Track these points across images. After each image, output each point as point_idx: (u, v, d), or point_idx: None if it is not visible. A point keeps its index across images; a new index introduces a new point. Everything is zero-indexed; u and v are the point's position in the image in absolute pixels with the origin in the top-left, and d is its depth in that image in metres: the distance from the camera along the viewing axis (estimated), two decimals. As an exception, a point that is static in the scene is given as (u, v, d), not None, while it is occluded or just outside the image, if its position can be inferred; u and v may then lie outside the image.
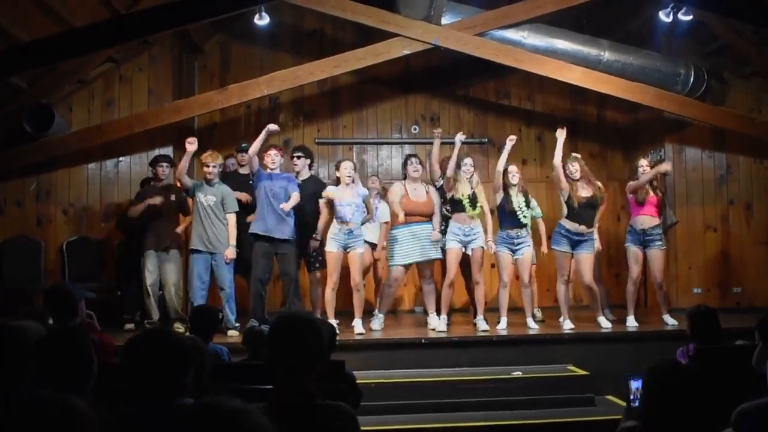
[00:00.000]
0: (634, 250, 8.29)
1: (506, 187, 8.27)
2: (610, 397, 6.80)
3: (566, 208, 8.15)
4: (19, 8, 7.73)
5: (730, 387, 3.29)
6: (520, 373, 7.02)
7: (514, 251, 8.21)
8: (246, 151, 8.77)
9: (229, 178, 8.71)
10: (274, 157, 8.04)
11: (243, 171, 8.86)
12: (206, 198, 7.99)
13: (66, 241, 9.28)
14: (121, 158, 9.68)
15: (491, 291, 9.56)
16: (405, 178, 8.45)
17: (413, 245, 8.11)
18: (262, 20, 9.24)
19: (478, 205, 8.10)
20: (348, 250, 7.86)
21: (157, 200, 8.15)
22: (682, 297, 9.80)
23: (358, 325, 7.90)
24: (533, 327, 8.16)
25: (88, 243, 9.39)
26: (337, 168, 8.15)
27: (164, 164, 8.56)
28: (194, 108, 9.57)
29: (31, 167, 9.31)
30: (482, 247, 8.13)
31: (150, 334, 2.67)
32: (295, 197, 7.81)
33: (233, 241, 7.95)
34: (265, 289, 8.03)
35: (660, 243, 8.30)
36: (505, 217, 8.23)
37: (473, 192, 8.11)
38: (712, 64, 10.36)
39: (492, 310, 8.68)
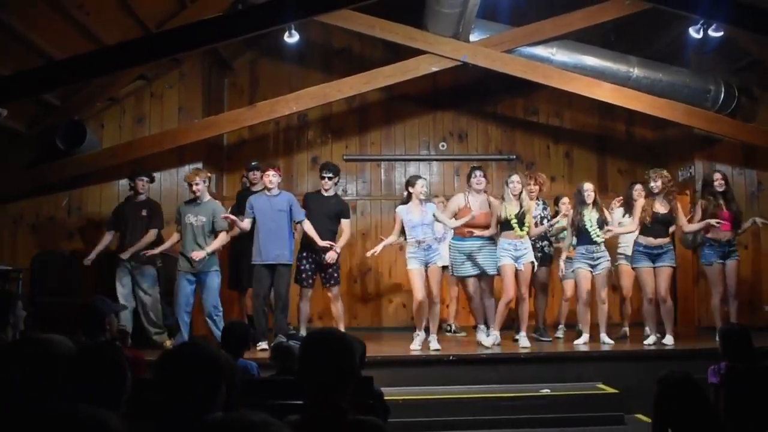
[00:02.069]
0: (717, 266, 8.27)
1: (581, 204, 8.29)
2: (639, 416, 6.73)
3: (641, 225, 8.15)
4: (55, 28, 7.87)
5: (762, 406, 3.25)
6: (548, 390, 6.97)
7: (594, 266, 8.19)
8: (258, 169, 8.82)
9: (242, 195, 8.80)
10: (272, 178, 8.07)
11: (255, 189, 8.82)
12: (197, 219, 8.01)
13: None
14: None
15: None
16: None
17: (470, 260, 8.22)
18: (291, 38, 9.28)
19: (526, 224, 8.05)
20: (429, 265, 7.86)
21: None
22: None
23: (433, 341, 7.89)
24: (608, 342, 8.18)
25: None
26: (412, 185, 8.01)
27: (145, 179, 8.58)
28: (223, 125, 9.65)
29: (63, 183, 9.44)
30: (532, 261, 8.11)
31: (185, 348, 2.68)
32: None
33: (210, 249, 7.95)
34: (267, 305, 8.13)
35: (737, 254, 8.36)
36: (581, 234, 8.25)
37: (522, 211, 8.04)
38: (742, 80, 10.27)
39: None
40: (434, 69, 9.39)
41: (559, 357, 7.87)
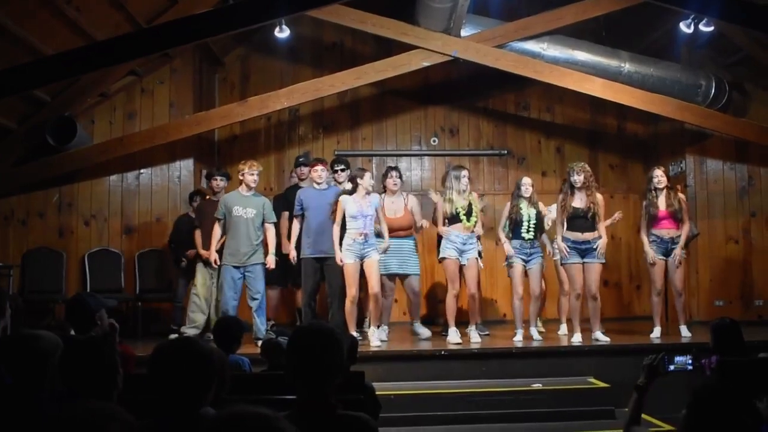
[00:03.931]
0: (657, 261, 8.23)
1: (518, 198, 8.27)
2: (630, 410, 6.74)
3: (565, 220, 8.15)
4: (45, 24, 7.84)
5: (754, 399, 3.25)
6: (540, 385, 6.98)
7: (527, 261, 8.21)
8: (305, 164, 8.76)
9: (291, 191, 8.75)
10: (321, 173, 8.07)
11: (303, 185, 8.71)
12: (245, 210, 7.93)
13: (87, 252, 9.37)
14: (142, 170, 9.75)
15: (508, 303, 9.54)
16: (384, 190, 8.55)
17: (390, 259, 8.23)
18: (282, 33, 9.29)
19: (474, 216, 8.03)
20: (364, 259, 7.80)
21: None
22: (703, 309, 9.73)
23: (378, 334, 7.86)
24: (538, 338, 8.21)
25: (109, 254, 9.46)
26: (361, 177, 7.92)
27: (219, 178, 8.65)
28: (215, 120, 9.63)
29: (54, 179, 9.41)
30: (477, 258, 8.10)
31: (177, 344, 2.68)
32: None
33: (273, 249, 7.92)
34: (315, 301, 8.14)
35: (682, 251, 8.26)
36: (516, 228, 8.23)
37: (469, 204, 8.03)
38: (734, 75, 10.30)
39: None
40: (425, 64, 9.39)
41: (550, 351, 7.87)
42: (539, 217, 8.25)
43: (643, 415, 6.60)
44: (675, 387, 4.06)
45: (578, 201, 7.99)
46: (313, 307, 8.08)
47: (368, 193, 7.84)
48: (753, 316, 9.90)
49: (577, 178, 8.00)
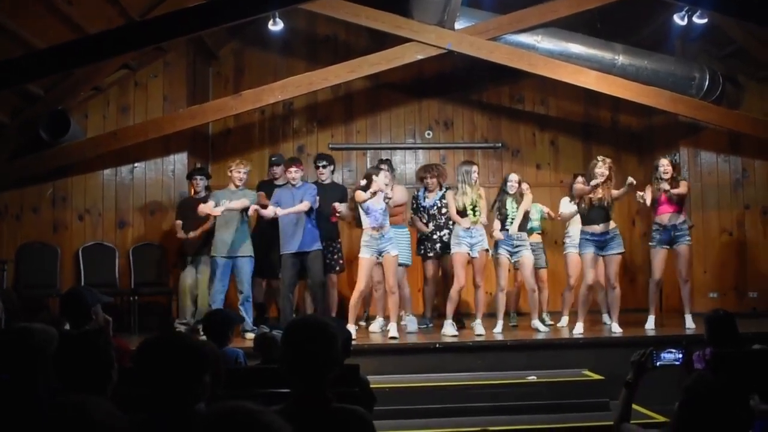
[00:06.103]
0: (660, 250, 8.24)
1: (504, 194, 8.44)
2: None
3: (580, 215, 8.21)
4: (38, 18, 7.81)
5: (748, 391, 3.26)
6: (535, 377, 6.99)
7: (512, 254, 8.26)
8: (279, 164, 8.84)
9: (263, 188, 8.83)
10: (294, 174, 8.14)
11: (278, 183, 8.82)
12: (232, 204, 8.07)
13: (82, 247, 9.35)
14: (136, 164, 9.73)
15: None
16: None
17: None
18: (276, 26, 9.29)
19: (479, 211, 8.08)
20: (382, 254, 7.88)
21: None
22: (698, 301, 9.72)
23: (393, 329, 7.86)
24: (543, 329, 8.30)
25: (103, 249, 9.45)
26: (375, 174, 7.98)
27: (198, 177, 8.77)
28: (209, 114, 9.61)
29: (47, 174, 9.39)
30: (486, 249, 8.16)
31: (165, 338, 2.66)
32: (303, 206, 7.92)
33: (226, 205, 7.99)
34: (293, 293, 8.17)
35: (688, 238, 8.28)
36: (503, 222, 8.36)
37: (474, 199, 8.07)
38: (728, 67, 10.31)
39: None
40: (419, 57, 9.36)
41: (545, 344, 7.89)
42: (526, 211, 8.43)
43: (636, 407, 6.64)
44: (668, 378, 4.08)
45: (599, 193, 8.02)
46: (291, 300, 8.13)
47: (376, 191, 7.83)
48: (747, 308, 9.92)
49: (599, 172, 8.02)
